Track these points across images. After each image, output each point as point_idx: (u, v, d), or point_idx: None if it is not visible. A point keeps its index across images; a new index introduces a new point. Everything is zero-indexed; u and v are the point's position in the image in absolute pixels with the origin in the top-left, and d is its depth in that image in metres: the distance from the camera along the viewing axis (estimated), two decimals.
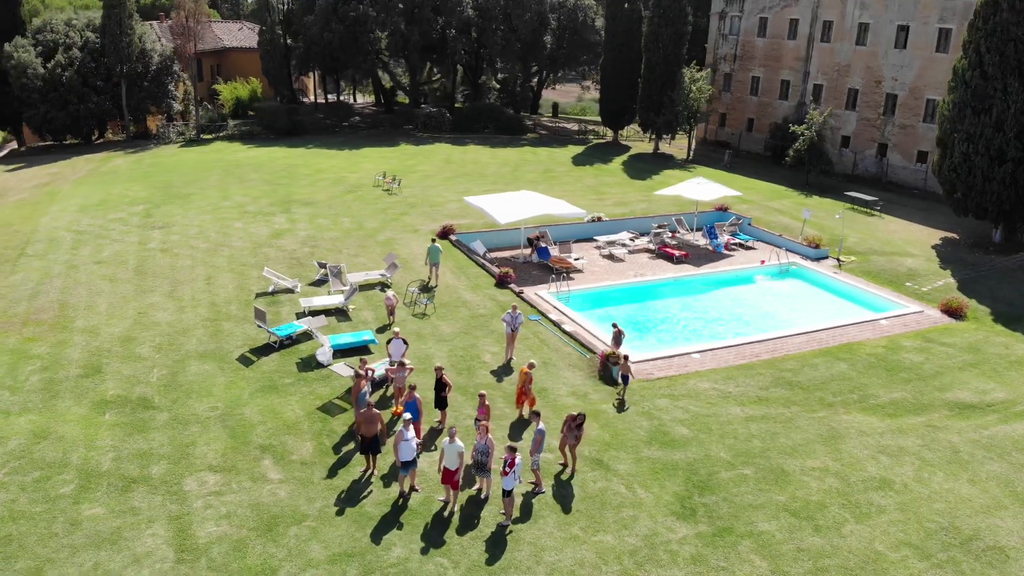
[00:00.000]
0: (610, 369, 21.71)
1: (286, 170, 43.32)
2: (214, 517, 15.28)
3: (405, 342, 20.17)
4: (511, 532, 15.43)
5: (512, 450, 15.48)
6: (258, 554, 14.41)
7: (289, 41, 60.77)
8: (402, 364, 19.10)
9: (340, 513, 15.65)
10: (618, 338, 22.64)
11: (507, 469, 15.36)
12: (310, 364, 21.23)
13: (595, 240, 34.59)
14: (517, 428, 18.94)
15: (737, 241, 35.42)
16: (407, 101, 72.33)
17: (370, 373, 18.60)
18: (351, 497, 16.15)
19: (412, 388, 17.43)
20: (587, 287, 29.21)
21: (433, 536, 15.19)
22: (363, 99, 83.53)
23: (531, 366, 19.29)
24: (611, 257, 33.03)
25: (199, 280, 26.66)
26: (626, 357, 21.14)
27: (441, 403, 18.55)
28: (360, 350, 22.04)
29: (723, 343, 24.84)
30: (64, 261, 27.86)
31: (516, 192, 32.77)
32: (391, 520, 15.54)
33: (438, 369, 18.53)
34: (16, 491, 15.71)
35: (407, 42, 58.63)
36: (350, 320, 24.25)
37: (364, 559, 14.45)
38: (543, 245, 32.01)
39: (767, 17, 52.65)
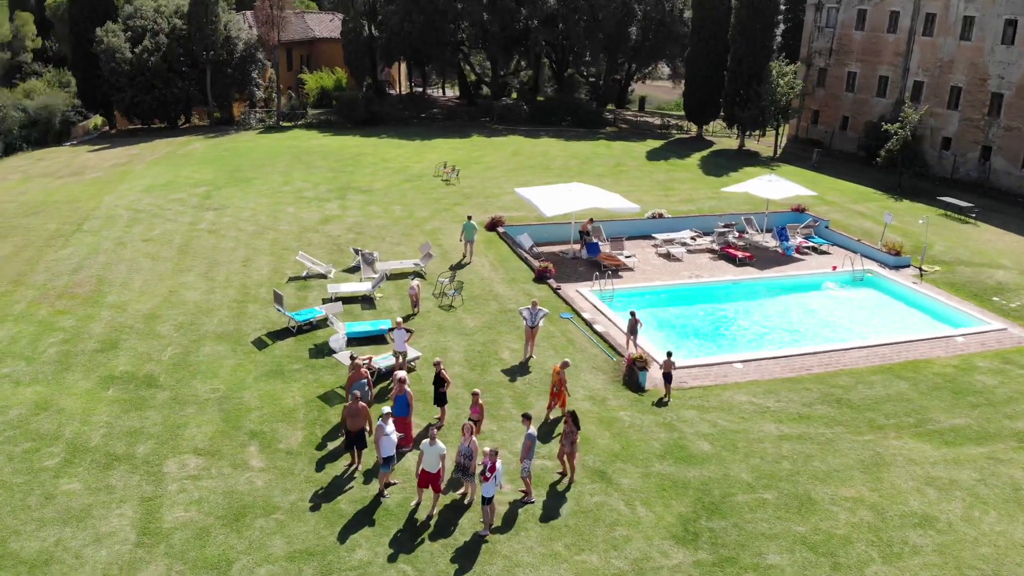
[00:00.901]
0: (636, 374, 20.22)
1: (353, 158, 43.40)
2: (185, 502, 14.85)
3: (408, 331, 19.33)
4: (488, 543, 14.31)
5: (493, 453, 14.36)
6: (218, 544, 13.85)
7: (374, 31, 61.20)
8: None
9: (314, 508, 14.92)
10: (633, 327, 21.37)
11: (487, 474, 14.26)
12: (323, 351, 20.69)
13: (653, 238, 32.87)
14: (544, 430, 17.64)
15: (810, 244, 32.93)
16: (491, 94, 71.80)
17: (368, 362, 17.83)
18: (329, 492, 15.41)
19: (402, 382, 16.55)
20: (634, 286, 27.65)
21: (403, 540, 14.25)
22: (452, 92, 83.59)
23: (564, 365, 18.16)
24: (668, 256, 31.25)
25: (237, 262, 26.69)
26: (670, 354, 19.88)
27: (440, 399, 17.59)
28: (377, 339, 21.36)
29: (771, 353, 22.86)
30: (115, 238, 28.51)
31: (567, 184, 31.41)
32: (363, 519, 14.70)
33: (436, 364, 17.59)
34: (3, 461, 15.76)
35: (487, 33, 58.00)
36: (375, 308, 23.62)
37: (324, 559, 13.66)
38: (593, 240, 30.63)
39: (866, 9, 48.99)
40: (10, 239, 28.26)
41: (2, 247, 27.44)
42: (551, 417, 18.26)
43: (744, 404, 19.60)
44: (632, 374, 20.40)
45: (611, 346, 22.06)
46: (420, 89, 76.27)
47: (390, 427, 15.18)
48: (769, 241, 33.26)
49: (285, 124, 54.37)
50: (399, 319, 19.60)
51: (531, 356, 21.01)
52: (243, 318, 22.45)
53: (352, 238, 29.54)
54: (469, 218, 28.34)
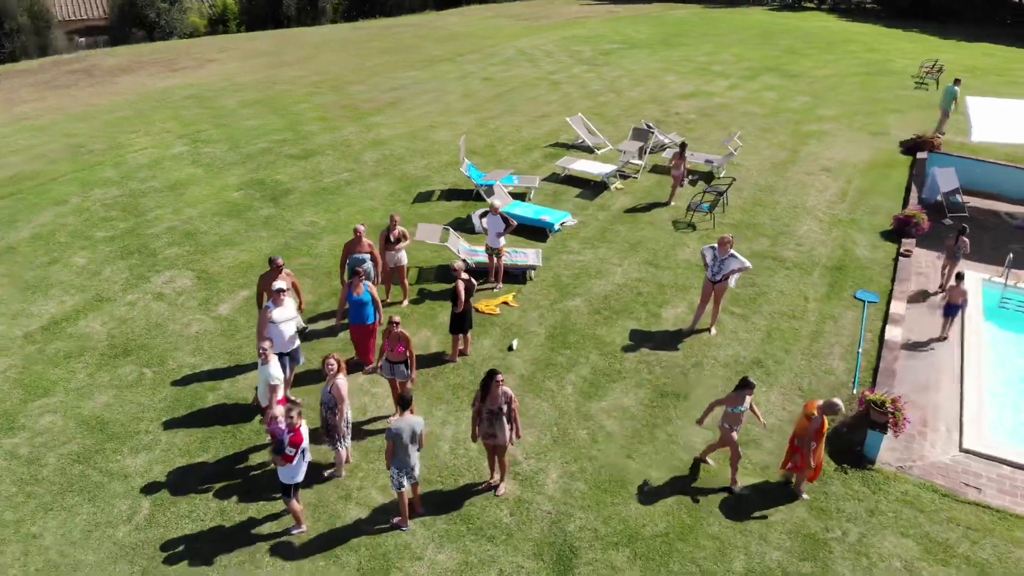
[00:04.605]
0: (866, 432, 10.47)
1: (830, 45, 33.59)
2: (112, 317, 12.54)
3: (506, 221, 13.04)
4: (292, 539, 8.76)
5: (294, 413, 8.36)
6: (67, 370, 11.28)
7: None
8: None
9: (187, 382, 11.15)
10: (954, 251, 13.58)
11: (289, 451, 8.41)
12: (465, 224, 15.75)
13: None
14: (762, 498, 10.25)
15: None
16: None
17: (396, 223, 12.45)
18: (229, 372, 11.37)
19: (358, 276, 10.95)
20: None
21: (189, 476, 9.58)
22: None
23: (830, 409, 9.06)
24: None
25: (532, 115, 22.61)
26: (960, 276, 12.59)
27: (457, 324, 11.47)
28: (535, 231, 15.43)
29: None
30: (464, 72, 26.94)
31: None
32: (201, 423, 10.37)
33: (455, 270, 11.36)
34: (78, 219, 15.63)
35: None
36: (591, 200, 17.25)
37: (102, 444, 9.96)
38: None
39: None
40: (396, 56, 29.09)
41: (378, 59, 28.30)
42: (786, 477, 9.88)
43: None
44: (857, 424, 10.70)
45: (875, 372, 11.97)
46: None
47: (279, 313, 10.14)
48: None
49: (807, 4, 45.30)
50: (496, 203, 13.32)
51: (707, 330, 12.59)
52: (444, 169, 18.60)
53: (691, 119, 22.44)
54: (956, 81, 21.23)
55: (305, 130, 20.78)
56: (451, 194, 17.21)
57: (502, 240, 13.19)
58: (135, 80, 26.01)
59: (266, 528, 8.89)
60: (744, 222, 16.33)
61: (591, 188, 17.69)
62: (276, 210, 16.19)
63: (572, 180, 18.00)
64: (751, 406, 9.53)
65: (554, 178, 18.07)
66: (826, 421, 9.32)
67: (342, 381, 9.13)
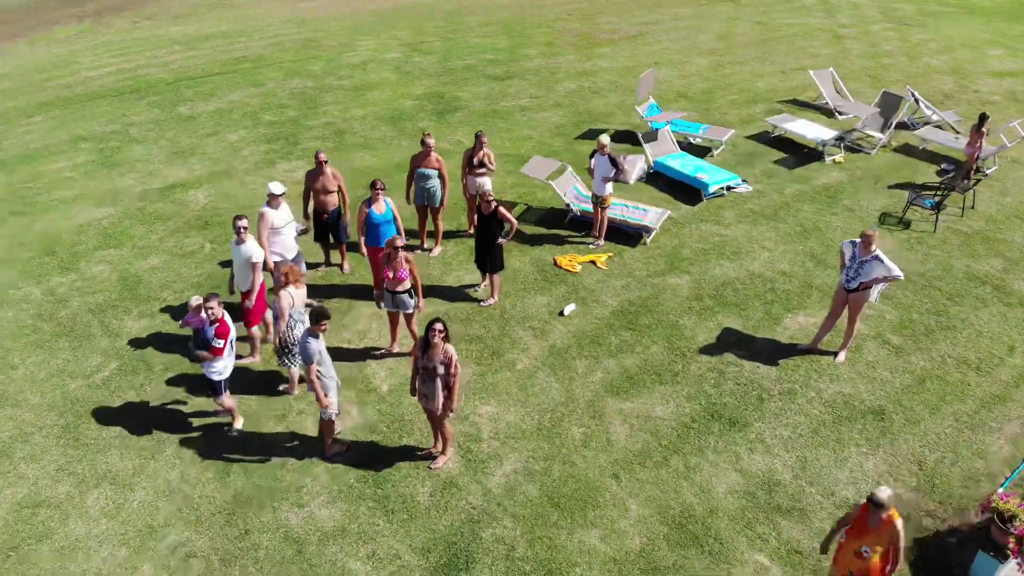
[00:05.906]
0: (976, 552, 7.00)
1: None
2: (221, 192, 12.82)
3: (616, 164, 10.70)
4: (231, 434, 8.23)
5: (213, 305, 7.53)
6: (145, 229, 11.75)
7: None
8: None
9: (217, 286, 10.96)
10: None
11: (217, 343, 7.71)
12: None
13: None
14: None
15: None
16: None
17: (482, 143, 10.86)
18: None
19: (377, 187, 9.58)
20: None
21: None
22: None
23: (874, 501, 5.56)
24: None
25: (781, 66, 19.04)
26: None
27: (486, 255, 9.79)
28: (685, 190, 12.84)
29: None
30: (740, 15, 23.60)
31: None
32: None
33: (486, 201, 9.52)
34: (259, 97, 16.26)
35: None
36: (792, 169, 13.88)
37: (105, 315, 10.17)
38: None
39: None
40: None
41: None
42: None
43: None
44: (969, 541, 7.17)
45: None
46: None
47: (278, 216, 9.26)
48: None
49: None
50: (604, 139, 10.81)
51: (834, 353, 9.31)
52: (628, 108, 16.29)
53: (991, 100, 17.17)
54: None
55: (522, 53, 19.68)
56: (624, 136, 15.00)
57: (608, 187, 10.98)
58: None
59: (195, 421, 8.33)
60: (980, 233, 11.95)
61: (801, 155, 14.26)
62: (434, 124, 15.44)
63: (782, 143, 14.70)
64: None
65: (762, 137, 14.93)
66: (876, 517, 5.78)
67: (284, 294, 8.10)
